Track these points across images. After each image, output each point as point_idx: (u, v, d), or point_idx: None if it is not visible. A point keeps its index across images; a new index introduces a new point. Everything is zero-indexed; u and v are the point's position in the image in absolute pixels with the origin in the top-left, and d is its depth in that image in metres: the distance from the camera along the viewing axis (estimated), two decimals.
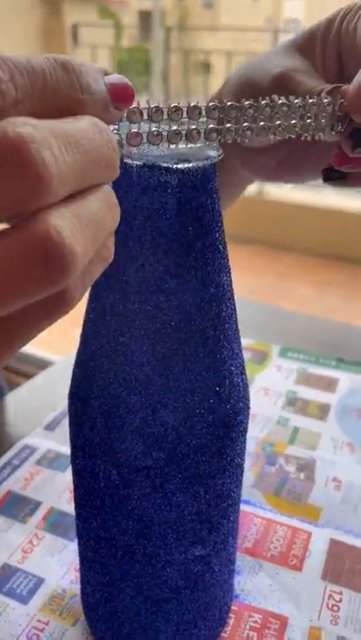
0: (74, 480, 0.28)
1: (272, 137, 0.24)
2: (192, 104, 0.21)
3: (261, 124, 0.24)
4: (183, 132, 0.21)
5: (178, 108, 0.21)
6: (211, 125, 0.22)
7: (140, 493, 0.25)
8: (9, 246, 0.14)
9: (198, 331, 0.24)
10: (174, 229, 0.22)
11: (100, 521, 0.27)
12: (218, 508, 0.27)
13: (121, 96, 0.18)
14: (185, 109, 0.21)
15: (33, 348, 1.68)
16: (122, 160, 0.22)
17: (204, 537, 0.27)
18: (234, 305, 0.26)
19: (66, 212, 0.15)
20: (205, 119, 0.22)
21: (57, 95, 0.16)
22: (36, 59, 0.16)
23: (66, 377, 0.54)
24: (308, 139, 0.26)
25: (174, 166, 0.21)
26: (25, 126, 0.14)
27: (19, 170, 0.14)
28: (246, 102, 0.23)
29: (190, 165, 0.22)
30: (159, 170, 0.22)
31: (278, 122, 0.24)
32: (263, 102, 0.24)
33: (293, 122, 0.25)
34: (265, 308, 0.70)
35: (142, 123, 0.20)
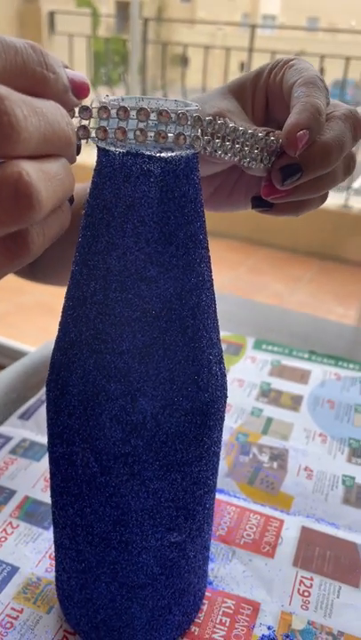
0: (50, 467, 0.28)
1: (224, 156, 0.26)
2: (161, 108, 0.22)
3: (217, 140, 0.25)
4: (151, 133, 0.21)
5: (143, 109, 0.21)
6: (183, 132, 0.22)
7: (118, 480, 0.25)
8: None
9: (178, 319, 0.24)
10: (156, 218, 0.22)
11: (77, 508, 0.27)
12: (194, 495, 0.27)
13: (79, 88, 0.21)
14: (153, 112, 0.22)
15: (5, 339, 1.66)
16: (103, 149, 0.22)
17: (180, 523, 0.27)
18: (213, 295, 0.26)
19: (33, 164, 0.18)
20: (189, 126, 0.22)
21: (27, 71, 0.19)
22: (10, 37, 0.19)
23: (39, 366, 0.54)
24: (245, 165, 0.28)
25: (158, 155, 0.22)
26: (1, 87, 0.17)
27: None
28: (208, 117, 0.24)
29: (174, 154, 0.22)
30: (142, 158, 0.22)
31: (228, 143, 0.26)
32: (220, 121, 0.25)
33: (237, 146, 0.27)
34: (240, 301, 0.71)
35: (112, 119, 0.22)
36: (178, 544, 0.28)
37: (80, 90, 0.21)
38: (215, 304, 0.26)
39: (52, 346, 0.57)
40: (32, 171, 0.18)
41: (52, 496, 0.29)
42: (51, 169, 0.19)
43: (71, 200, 0.22)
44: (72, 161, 0.21)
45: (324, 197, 0.33)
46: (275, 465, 0.44)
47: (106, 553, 0.27)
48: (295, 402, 0.52)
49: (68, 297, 0.25)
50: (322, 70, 3.07)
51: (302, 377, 0.56)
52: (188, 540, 0.28)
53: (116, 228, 0.23)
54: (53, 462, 0.27)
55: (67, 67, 0.21)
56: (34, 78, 0.19)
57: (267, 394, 0.53)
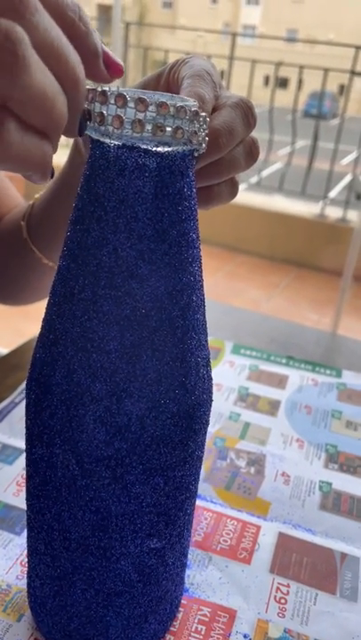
0: (27, 470, 0.27)
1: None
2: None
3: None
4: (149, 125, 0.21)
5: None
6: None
7: (99, 484, 0.25)
8: None
9: (168, 319, 0.23)
10: (150, 214, 0.22)
11: (55, 512, 0.26)
12: (176, 500, 0.27)
13: (113, 65, 0.22)
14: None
15: None
16: (97, 141, 0.22)
17: (161, 529, 0.27)
18: (203, 296, 0.25)
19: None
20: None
21: (58, 11, 0.20)
22: None
23: (14, 368, 0.53)
24: None
25: (154, 149, 0.21)
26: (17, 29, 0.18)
27: None
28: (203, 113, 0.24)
29: (170, 149, 0.21)
30: (138, 151, 0.21)
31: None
32: None
33: None
34: (219, 306, 0.70)
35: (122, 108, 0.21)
36: (157, 550, 0.27)
37: (114, 67, 0.22)
38: (205, 305, 0.26)
39: (27, 347, 0.56)
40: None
41: (27, 499, 0.28)
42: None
43: (52, 173, 0.22)
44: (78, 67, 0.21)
45: (234, 191, 0.31)
46: (252, 470, 0.44)
47: (83, 559, 0.26)
48: (273, 407, 0.52)
49: (54, 292, 0.24)
50: (300, 82, 3.11)
51: (280, 382, 0.55)
52: (167, 546, 0.28)
53: (108, 223, 0.22)
54: (31, 464, 0.26)
55: (104, 43, 0.22)
56: (63, 20, 0.20)
57: (245, 398, 0.52)
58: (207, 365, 0.26)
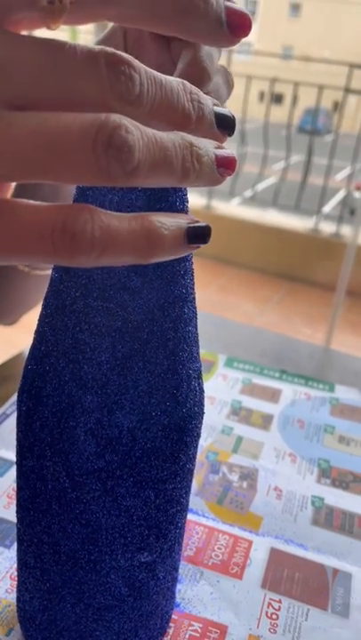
0: (18, 482, 0.27)
1: None
2: None
3: None
4: None
5: None
6: None
7: (89, 497, 0.24)
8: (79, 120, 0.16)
9: (160, 331, 0.23)
10: (141, 208, 0.22)
11: (45, 525, 0.26)
12: (167, 513, 0.27)
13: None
14: None
15: None
16: None
17: (151, 543, 0.27)
18: (195, 308, 0.25)
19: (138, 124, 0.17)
20: None
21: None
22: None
23: (4, 379, 0.52)
24: None
25: None
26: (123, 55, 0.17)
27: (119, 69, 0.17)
28: None
29: None
30: None
31: None
32: None
33: None
34: (212, 318, 0.70)
35: None
36: (148, 564, 0.27)
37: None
38: (196, 318, 0.26)
39: (18, 359, 0.56)
40: (133, 128, 0.16)
41: (17, 512, 0.28)
42: (161, 137, 0.17)
43: None
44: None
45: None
46: (244, 484, 0.44)
47: (72, 572, 0.26)
48: (266, 421, 0.52)
49: (46, 304, 0.24)
50: (295, 98, 3.15)
51: (273, 396, 0.55)
52: (158, 560, 0.27)
53: None
54: (22, 476, 0.26)
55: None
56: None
57: (237, 412, 0.52)
58: (199, 378, 0.26)
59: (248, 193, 3.49)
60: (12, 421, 0.47)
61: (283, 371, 0.60)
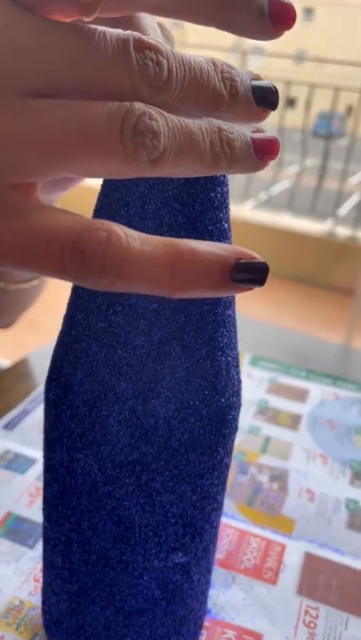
0: (45, 477, 0.25)
1: None
2: None
3: None
4: None
5: None
6: None
7: (122, 492, 0.23)
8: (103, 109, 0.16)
9: (198, 314, 0.22)
10: (181, 200, 0.20)
11: (74, 522, 0.24)
12: (203, 511, 0.25)
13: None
14: None
15: None
16: None
17: (186, 543, 0.25)
18: None
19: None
20: None
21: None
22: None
23: (25, 375, 0.51)
24: None
25: None
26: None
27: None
28: None
29: None
30: None
31: None
32: None
33: None
34: (237, 316, 0.69)
35: None
36: (182, 565, 0.25)
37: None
38: (235, 302, 0.24)
39: (36, 356, 0.55)
40: (157, 114, 0.16)
41: (44, 509, 0.26)
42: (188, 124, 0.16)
43: None
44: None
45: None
46: (275, 486, 0.42)
47: (103, 573, 0.24)
48: (294, 421, 0.50)
49: (76, 287, 0.23)
50: (309, 102, 3.13)
51: (300, 395, 0.54)
52: (192, 561, 0.26)
53: (136, 210, 0.21)
54: (49, 470, 0.25)
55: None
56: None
57: (264, 412, 0.50)
58: (237, 366, 0.25)
59: (262, 196, 3.47)
60: (32, 418, 0.45)
61: (309, 370, 0.58)
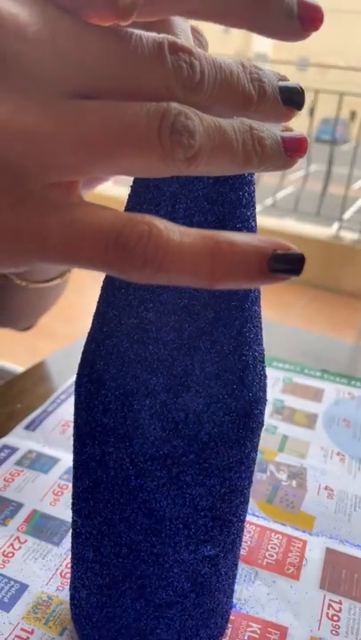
0: (75, 471, 0.26)
1: None
2: None
3: None
4: None
5: None
6: None
7: (154, 485, 0.23)
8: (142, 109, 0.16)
9: (226, 309, 0.22)
10: (210, 199, 0.21)
11: (105, 516, 0.25)
12: (231, 504, 0.25)
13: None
14: None
15: None
16: None
17: (215, 535, 0.25)
18: (259, 287, 0.24)
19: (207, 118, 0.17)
20: None
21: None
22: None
23: (46, 376, 0.52)
24: None
25: None
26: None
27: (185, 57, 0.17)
28: None
29: None
30: None
31: None
32: None
33: None
34: None
35: None
36: (211, 558, 0.26)
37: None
38: (260, 299, 0.25)
39: (54, 359, 0.55)
40: (192, 114, 0.16)
41: (74, 504, 0.27)
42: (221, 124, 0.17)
43: None
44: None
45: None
46: (294, 483, 0.42)
47: (134, 566, 0.25)
48: (310, 420, 0.50)
49: (107, 285, 0.24)
50: (313, 108, 3.14)
51: (316, 395, 0.54)
52: (221, 554, 0.26)
53: (167, 209, 0.21)
54: (81, 465, 0.25)
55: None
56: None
57: (280, 411, 0.51)
58: (263, 361, 0.25)
59: (268, 201, 3.48)
60: (53, 419, 0.46)
61: (324, 370, 0.58)
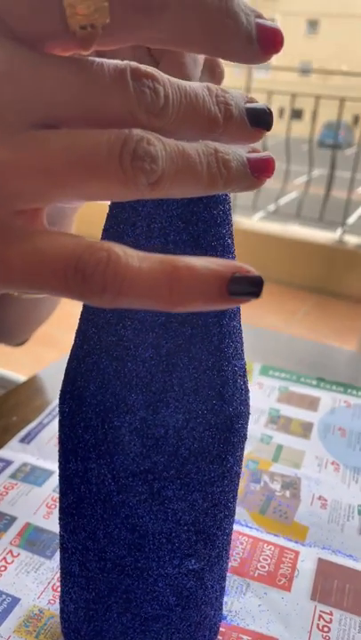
0: (61, 487, 0.26)
1: None
2: None
3: None
4: None
5: None
6: None
7: (136, 500, 0.24)
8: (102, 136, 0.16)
9: (204, 326, 0.23)
10: (185, 218, 0.22)
11: (89, 531, 0.25)
12: (215, 518, 0.26)
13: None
14: None
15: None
16: None
17: (199, 549, 0.26)
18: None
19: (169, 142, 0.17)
20: None
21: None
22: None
23: (41, 389, 0.52)
24: None
25: None
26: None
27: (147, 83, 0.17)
28: None
29: None
30: None
31: None
32: None
33: None
34: (244, 327, 0.69)
35: None
36: (196, 572, 0.26)
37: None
38: (240, 313, 0.25)
39: (52, 370, 0.56)
40: (155, 139, 0.17)
41: (60, 519, 0.27)
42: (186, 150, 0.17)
43: None
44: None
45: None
46: (287, 494, 0.42)
47: (119, 580, 0.25)
48: (305, 429, 0.50)
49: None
50: (315, 112, 3.15)
51: (311, 404, 0.54)
52: (206, 567, 0.26)
53: (143, 229, 0.22)
54: (65, 481, 0.26)
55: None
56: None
57: (276, 420, 0.51)
58: (244, 375, 0.26)
59: (271, 207, 3.48)
60: (49, 431, 0.46)
61: (320, 378, 0.58)
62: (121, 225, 0.22)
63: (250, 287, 0.17)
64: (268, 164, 0.19)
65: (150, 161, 0.16)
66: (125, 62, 0.17)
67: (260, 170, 0.19)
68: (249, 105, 0.19)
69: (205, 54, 0.18)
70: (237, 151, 0.19)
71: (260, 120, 0.19)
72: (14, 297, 0.46)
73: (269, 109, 0.20)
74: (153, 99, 0.17)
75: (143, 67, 0.17)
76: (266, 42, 0.18)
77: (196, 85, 0.18)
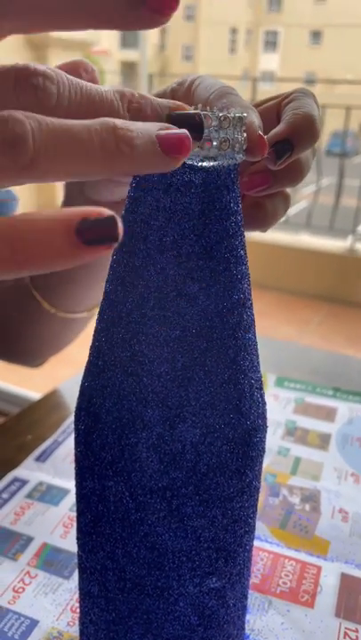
0: (78, 506, 0.26)
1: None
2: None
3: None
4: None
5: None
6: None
7: (154, 517, 0.23)
8: None
9: (219, 339, 0.22)
10: (197, 231, 0.21)
11: (108, 550, 0.25)
12: (235, 534, 0.25)
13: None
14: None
15: (12, 386, 1.64)
16: None
17: (220, 567, 0.25)
18: (253, 314, 0.24)
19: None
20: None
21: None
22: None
23: (55, 407, 0.52)
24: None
25: (199, 164, 0.21)
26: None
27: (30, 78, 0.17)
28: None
29: (216, 164, 0.21)
30: (183, 168, 0.21)
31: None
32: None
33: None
34: (259, 338, 0.69)
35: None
36: (217, 590, 0.25)
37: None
38: (255, 325, 0.25)
39: (67, 387, 0.56)
40: (26, 118, 0.16)
41: (78, 538, 0.27)
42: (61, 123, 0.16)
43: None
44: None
45: (287, 204, 0.30)
46: (307, 507, 0.42)
47: (139, 601, 0.25)
48: (323, 440, 0.49)
49: (101, 318, 0.24)
50: (321, 122, 3.16)
51: (328, 414, 0.53)
52: (227, 585, 0.26)
53: (155, 242, 0.22)
54: (82, 500, 0.25)
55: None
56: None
57: (293, 432, 0.50)
58: (260, 388, 0.25)
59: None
60: (64, 449, 0.46)
61: (336, 388, 0.58)
62: (133, 239, 0.22)
63: (104, 229, 0.16)
64: (182, 142, 0.18)
65: (18, 143, 0.15)
66: (15, 63, 0.17)
67: (172, 148, 0.17)
68: (174, 113, 0.19)
69: (92, 28, 0.18)
70: (145, 127, 0.17)
71: (191, 126, 0.19)
72: (51, 315, 0.46)
73: (199, 117, 0.19)
74: (40, 96, 0.17)
75: (34, 66, 0.17)
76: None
77: (106, 88, 0.18)
